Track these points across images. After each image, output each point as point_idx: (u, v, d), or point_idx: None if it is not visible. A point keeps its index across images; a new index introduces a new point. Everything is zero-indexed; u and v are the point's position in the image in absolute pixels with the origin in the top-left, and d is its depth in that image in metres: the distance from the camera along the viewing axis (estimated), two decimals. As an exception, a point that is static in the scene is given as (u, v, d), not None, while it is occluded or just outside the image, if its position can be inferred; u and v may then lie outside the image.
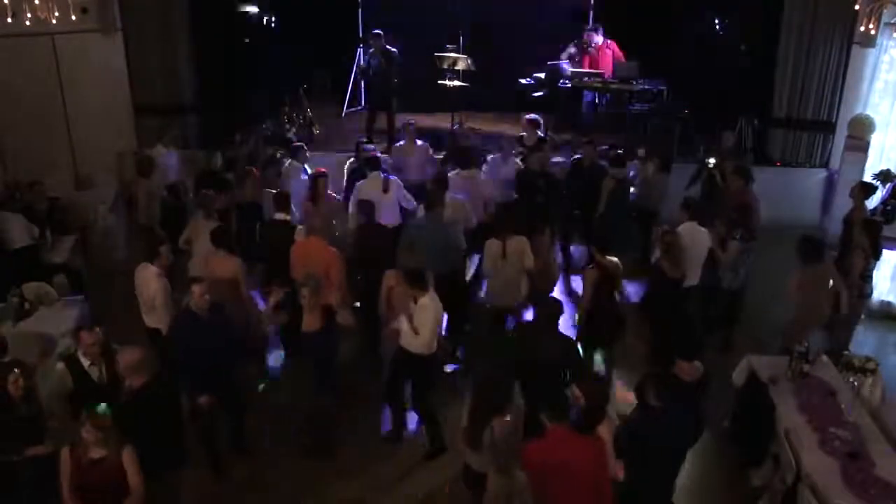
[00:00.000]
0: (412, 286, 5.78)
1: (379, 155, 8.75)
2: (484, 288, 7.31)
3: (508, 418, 4.68)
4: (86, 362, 5.10)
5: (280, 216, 7.15)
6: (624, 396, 5.98)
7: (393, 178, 8.12)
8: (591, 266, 6.63)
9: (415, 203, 8.04)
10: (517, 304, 7.05)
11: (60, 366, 5.15)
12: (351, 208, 7.77)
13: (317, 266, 6.31)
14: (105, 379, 5.11)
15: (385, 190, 7.88)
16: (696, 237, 7.15)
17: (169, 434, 4.84)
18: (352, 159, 9.09)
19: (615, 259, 6.55)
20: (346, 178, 8.83)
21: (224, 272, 6.33)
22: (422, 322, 5.75)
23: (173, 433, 4.90)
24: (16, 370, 4.79)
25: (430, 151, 9.34)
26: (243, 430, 6.12)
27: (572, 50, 11.84)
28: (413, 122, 9.48)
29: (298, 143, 9.18)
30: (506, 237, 6.71)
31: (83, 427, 4.25)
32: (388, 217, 7.69)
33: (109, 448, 4.27)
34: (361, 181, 8.03)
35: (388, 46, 10.67)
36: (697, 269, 7.16)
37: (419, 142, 9.25)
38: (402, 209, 8.08)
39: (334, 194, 8.29)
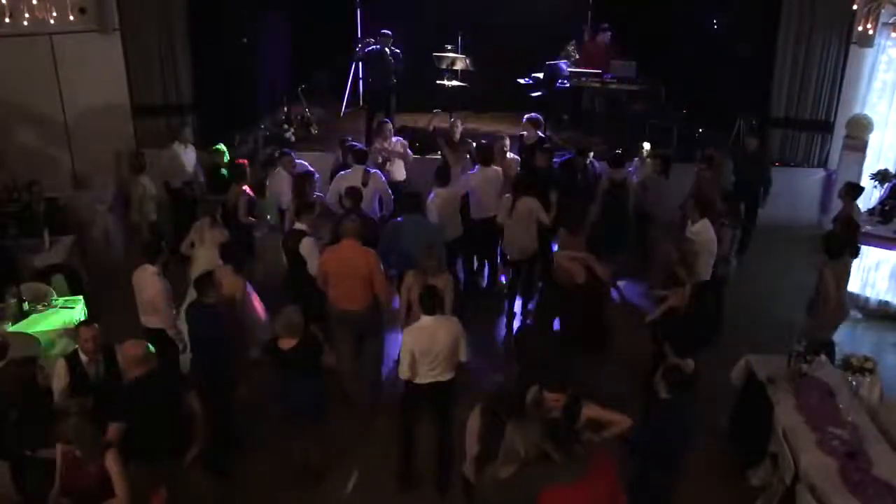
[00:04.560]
0: None
1: (365, 149, 8.76)
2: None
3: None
4: (84, 359, 5.12)
5: (299, 226, 6.92)
6: None
7: (374, 170, 8.26)
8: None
9: (392, 199, 8.20)
10: (527, 257, 7.74)
11: (60, 362, 5.19)
12: (329, 197, 7.98)
13: (356, 269, 6.29)
14: (101, 376, 5.13)
15: (364, 183, 7.95)
16: (709, 235, 7.05)
17: (165, 424, 4.85)
18: (336, 158, 9.14)
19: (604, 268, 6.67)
20: (330, 176, 8.75)
21: (227, 287, 6.21)
22: None
23: (169, 424, 4.90)
24: (41, 365, 4.82)
25: (406, 147, 9.35)
26: (233, 429, 6.04)
27: (570, 48, 11.83)
28: (387, 121, 9.57)
29: (285, 150, 9.04)
30: (517, 196, 7.39)
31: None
32: (364, 208, 7.72)
33: (89, 450, 4.26)
34: (344, 171, 8.23)
35: (393, 48, 10.68)
36: (710, 264, 7.06)
37: (395, 138, 9.30)
38: (381, 204, 8.23)
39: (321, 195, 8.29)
